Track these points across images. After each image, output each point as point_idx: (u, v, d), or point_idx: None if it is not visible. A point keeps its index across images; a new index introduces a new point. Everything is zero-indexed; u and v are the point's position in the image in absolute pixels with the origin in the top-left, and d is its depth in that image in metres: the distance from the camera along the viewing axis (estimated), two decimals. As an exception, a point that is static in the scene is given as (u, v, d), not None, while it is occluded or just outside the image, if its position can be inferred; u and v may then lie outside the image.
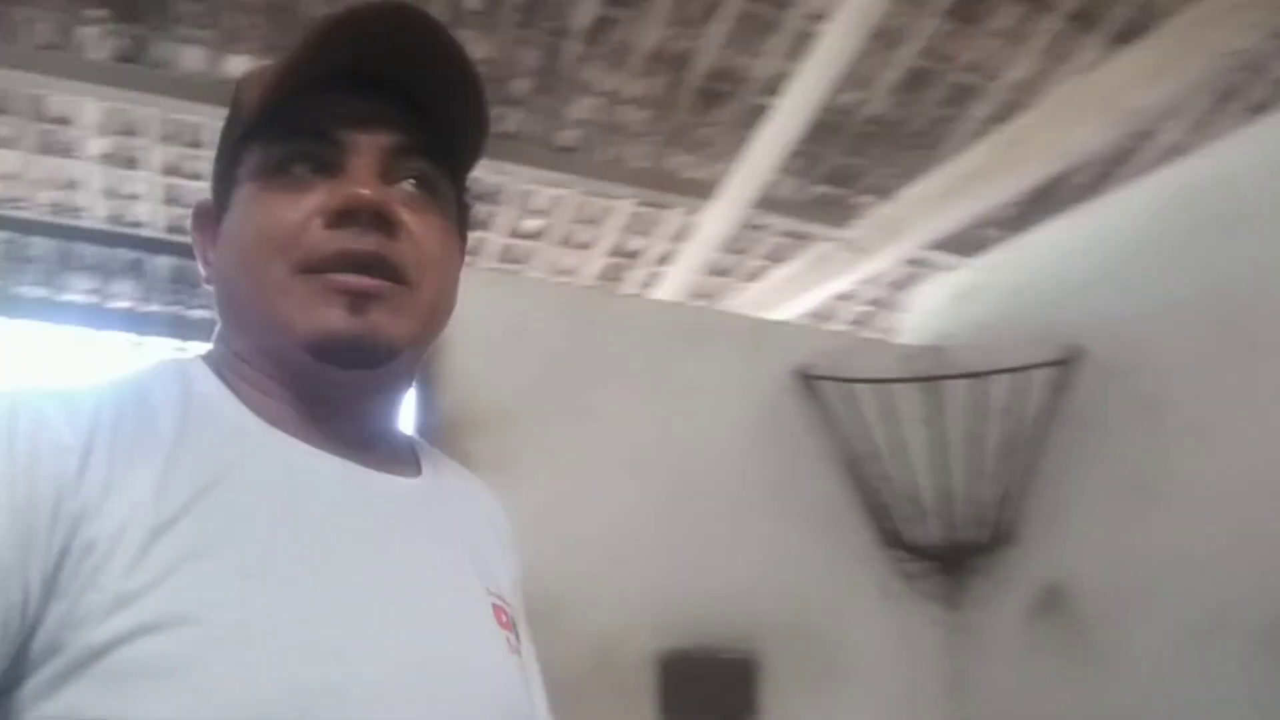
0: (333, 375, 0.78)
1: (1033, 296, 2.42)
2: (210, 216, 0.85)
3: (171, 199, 4.35)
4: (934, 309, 2.72)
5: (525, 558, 1.94)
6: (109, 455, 0.66)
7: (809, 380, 2.37)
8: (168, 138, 4.09)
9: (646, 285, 4.78)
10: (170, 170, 4.25)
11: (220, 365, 0.81)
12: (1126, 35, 2.82)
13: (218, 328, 0.84)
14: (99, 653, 0.60)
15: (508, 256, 4.73)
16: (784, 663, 2.22)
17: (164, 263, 4.43)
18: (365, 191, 0.74)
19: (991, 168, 2.79)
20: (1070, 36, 3.08)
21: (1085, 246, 2.31)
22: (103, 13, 3.54)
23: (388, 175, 0.78)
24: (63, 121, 4.07)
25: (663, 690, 2.10)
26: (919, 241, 3.24)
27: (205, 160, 4.14)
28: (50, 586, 0.62)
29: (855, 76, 3.27)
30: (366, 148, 0.77)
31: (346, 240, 0.74)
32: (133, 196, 4.34)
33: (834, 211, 4.23)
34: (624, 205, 4.38)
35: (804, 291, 3.83)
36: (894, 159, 4.06)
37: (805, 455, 2.37)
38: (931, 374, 2.39)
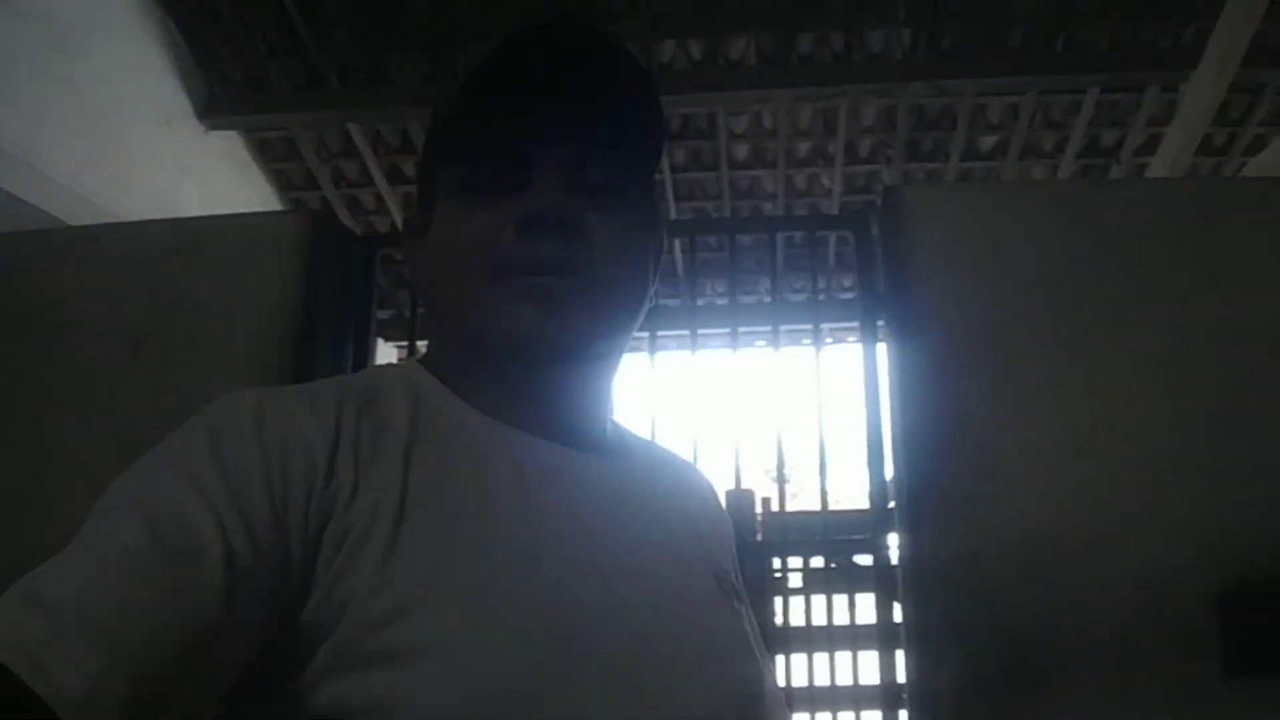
0: (528, 373, 0.83)
1: None
2: (418, 230, 0.91)
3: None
4: None
5: (1049, 502, 1.84)
6: (354, 451, 0.71)
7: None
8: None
9: (1128, 183, 4.31)
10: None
11: (438, 367, 0.87)
12: None
13: (431, 333, 0.93)
14: (360, 639, 0.64)
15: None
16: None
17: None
18: (547, 201, 0.79)
19: None
20: None
21: None
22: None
23: (572, 182, 0.82)
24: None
25: (1229, 633, 1.79)
26: None
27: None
28: (307, 574, 0.66)
29: None
30: (550, 159, 0.81)
31: (535, 248, 0.79)
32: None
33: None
34: (1089, 97, 4.01)
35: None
36: None
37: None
38: None
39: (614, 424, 0.97)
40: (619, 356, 0.93)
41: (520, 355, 0.81)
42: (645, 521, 0.86)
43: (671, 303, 4.35)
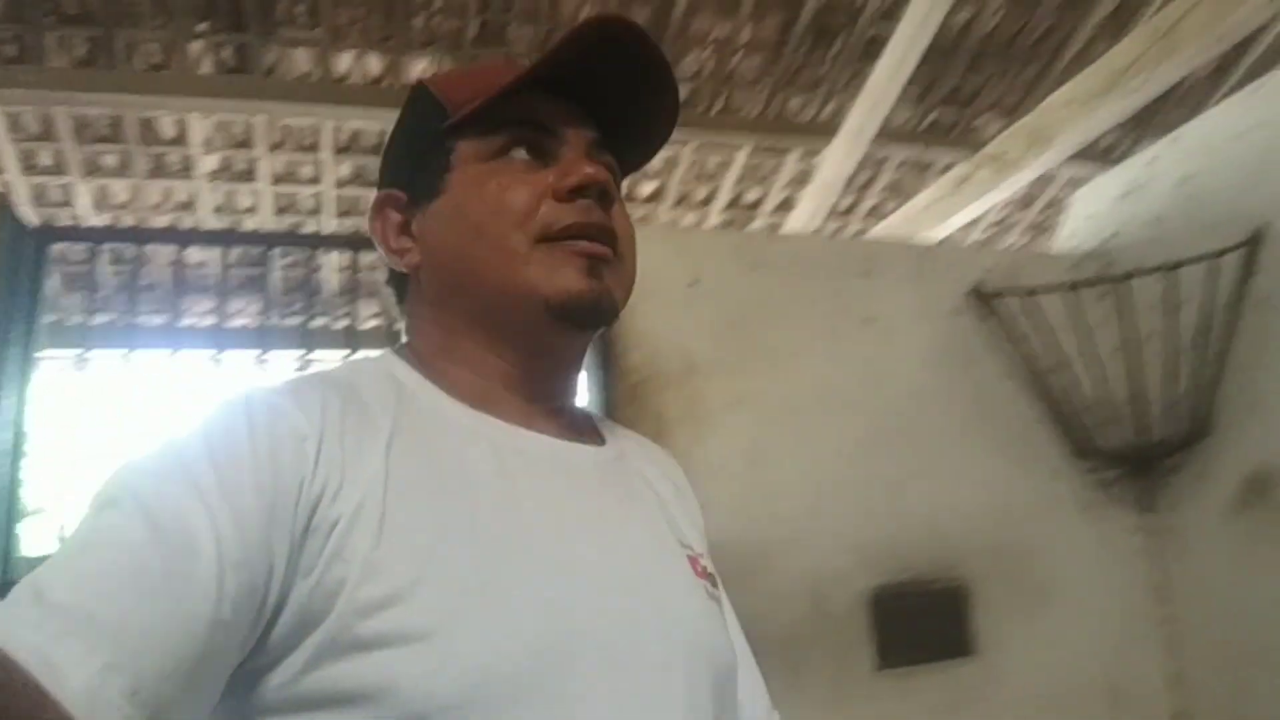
0: (559, 338, 0.86)
1: (1207, 182, 2.31)
2: (397, 204, 0.91)
3: (283, 208, 4.41)
4: (1095, 213, 2.63)
5: (728, 509, 2.03)
6: (340, 442, 0.73)
7: (986, 298, 2.33)
8: (277, 145, 4.10)
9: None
10: (282, 179, 4.28)
11: (420, 355, 0.88)
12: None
13: (408, 320, 0.93)
14: (353, 625, 0.66)
15: (624, 224, 4.70)
16: (992, 587, 2.19)
17: (280, 276, 4.39)
18: (594, 171, 0.83)
19: (1146, 61, 2.66)
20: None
21: (1261, 122, 2.20)
22: (206, 25, 3.52)
23: (593, 161, 0.86)
24: (174, 142, 4.07)
25: (877, 627, 2.08)
26: (1066, 151, 3.12)
27: (314, 165, 4.21)
28: (295, 564, 0.67)
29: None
30: (576, 140, 0.87)
31: (580, 213, 0.83)
32: (249, 210, 4.38)
33: (953, 135, 4.18)
34: (739, 156, 4.34)
35: (942, 220, 3.74)
36: (1012, 74, 3.97)
37: (989, 374, 2.33)
38: (1115, 274, 2.31)
39: (587, 412, 1.00)
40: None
41: (566, 315, 0.82)
42: (624, 507, 0.89)
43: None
